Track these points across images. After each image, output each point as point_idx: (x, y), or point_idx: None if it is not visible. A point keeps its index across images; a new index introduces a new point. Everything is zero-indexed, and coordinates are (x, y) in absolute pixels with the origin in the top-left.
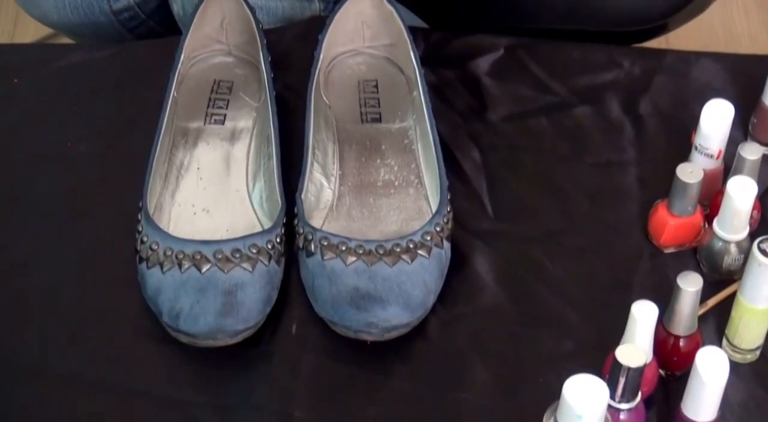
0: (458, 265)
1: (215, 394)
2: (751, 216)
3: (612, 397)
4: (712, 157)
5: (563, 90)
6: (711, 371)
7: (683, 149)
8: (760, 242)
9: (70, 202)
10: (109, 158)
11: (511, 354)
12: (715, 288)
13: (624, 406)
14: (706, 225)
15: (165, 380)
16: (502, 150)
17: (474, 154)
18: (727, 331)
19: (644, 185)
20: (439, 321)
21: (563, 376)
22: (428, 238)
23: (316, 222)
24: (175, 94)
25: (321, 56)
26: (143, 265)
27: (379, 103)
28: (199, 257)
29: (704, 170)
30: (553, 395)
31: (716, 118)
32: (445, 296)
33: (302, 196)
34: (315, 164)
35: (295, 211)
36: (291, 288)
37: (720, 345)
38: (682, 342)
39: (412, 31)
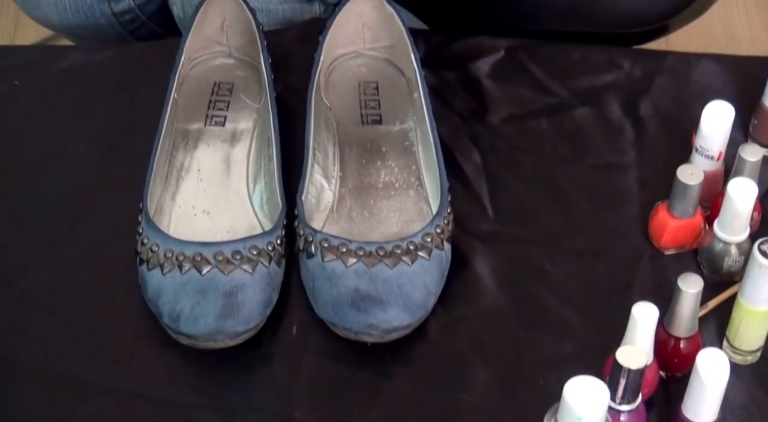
0: (458, 267)
1: (215, 396)
2: (752, 218)
3: (612, 399)
4: (712, 158)
5: (564, 91)
6: (711, 372)
7: (684, 151)
8: (761, 244)
9: (70, 203)
10: (110, 159)
11: (511, 355)
12: (716, 290)
13: (624, 408)
14: (707, 227)
15: (165, 381)
16: (502, 151)
17: (474, 156)
18: (727, 333)
19: (644, 187)
20: (440, 322)
21: (564, 378)
22: (429, 240)
23: (317, 223)
24: (176, 96)
25: (321, 58)
26: (144, 267)
27: (379, 105)
28: (199, 259)
29: (705, 172)
30: (553, 396)
31: (717, 120)
32: (445, 298)
33: (303, 198)
34: (315, 166)
35: (296, 212)
36: (291, 290)
37: (720, 346)
38: (682, 344)
39: (413, 32)
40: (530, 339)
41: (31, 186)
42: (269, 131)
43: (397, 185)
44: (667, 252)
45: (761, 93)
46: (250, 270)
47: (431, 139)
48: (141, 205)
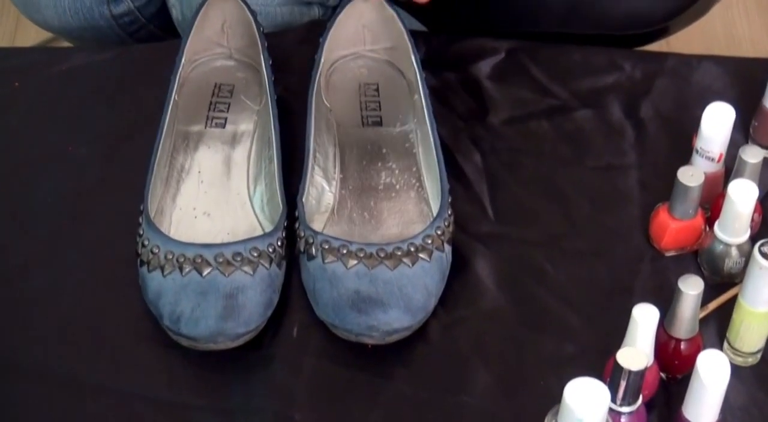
0: (459, 268)
1: (216, 398)
2: (752, 220)
3: (613, 400)
4: (713, 160)
5: (564, 93)
6: (712, 374)
7: (684, 152)
8: (761, 245)
9: (71, 204)
10: (110, 161)
11: (512, 357)
12: (716, 292)
13: (625, 409)
14: (707, 229)
15: (165, 383)
16: (503, 153)
17: (475, 158)
18: (728, 334)
19: (645, 188)
20: (440, 324)
21: (564, 379)
22: (429, 242)
23: (317, 225)
24: (176, 98)
25: (322, 59)
26: (144, 269)
27: (380, 107)
28: (200, 260)
29: (705, 173)
30: (554, 398)
31: (717, 121)
32: (446, 299)
33: (303, 200)
34: (316, 167)
35: (296, 214)
36: (292, 292)
37: (721, 348)
38: (683, 346)
39: (413, 34)
40: (531, 340)
41: (31, 187)
42: (270, 133)
43: (397, 187)
44: (668, 254)
45: (762, 94)
46: (251, 272)
47: (432, 140)
48: (141, 207)
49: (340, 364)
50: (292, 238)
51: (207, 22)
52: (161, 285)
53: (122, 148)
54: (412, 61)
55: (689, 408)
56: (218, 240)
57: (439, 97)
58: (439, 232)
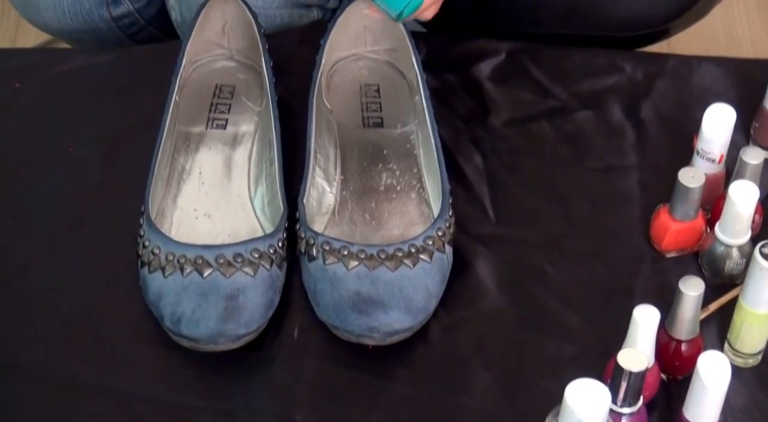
0: (460, 270)
1: (216, 399)
2: (753, 221)
3: (614, 402)
4: (713, 161)
5: (565, 94)
6: (713, 375)
7: (685, 153)
8: (762, 246)
9: (71, 205)
10: (111, 162)
11: (512, 358)
12: (717, 293)
13: (626, 411)
14: (708, 230)
15: (166, 384)
16: (503, 154)
17: (476, 159)
18: (728, 335)
19: (646, 190)
20: (441, 325)
21: (565, 381)
22: (430, 243)
23: (318, 226)
24: (177, 99)
25: (323, 61)
26: (145, 270)
27: (380, 108)
28: (200, 261)
29: (706, 174)
30: (554, 399)
31: (718, 123)
32: (446, 300)
33: (304, 201)
34: (317, 169)
35: (297, 215)
36: (293, 293)
37: (722, 349)
38: (683, 347)
39: (414, 35)
40: (531, 341)
41: (32, 188)
42: (270, 134)
43: (398, 188)
44: (669, 255)
45: (762, 96)
46: (252, 273)
47: (432, 141)
48: (142, 208)
49: (340, 365)
50: (292, 239)
51: (208, 23)
52: (162, 286)
53: (123, 148)
54: (412, 63)
55: (690, 410)
56: (219, 242)
57: (439, 99)
58: (439, 233)
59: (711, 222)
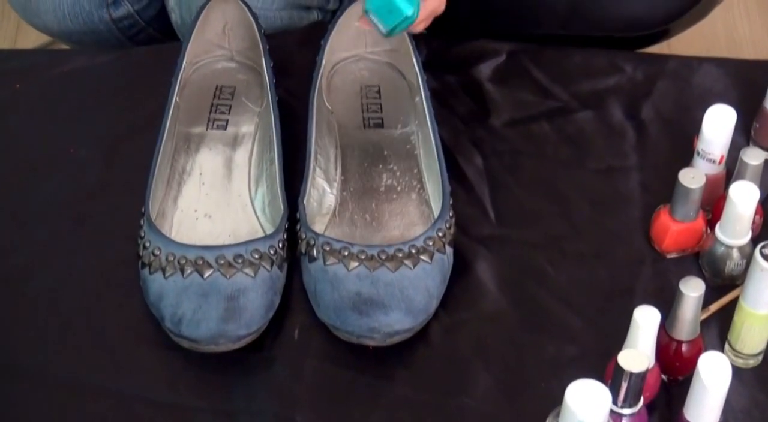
0: (460, 271)
1: (217, 400)
2: (754, 222)
3: (614, 402)
4: (714, 162)
5: (565, 95)
6: (713, 376)
7: (685, 154)
8: (763, 247)
9: (72, 206)
10: (111, 163)
11: (513, 359)
12: (718, 294)
13: (626, 411)
14: (709, 231)
15: (166, 385)
16: (504, 155)
17: (476, 160)
18: (729, 336)
19: (646, 190)
20: (442, 326)
21: (565, 381)
22: (430, 244)
23: (319, 227)
24: (178, 100)
25: (323, 61)
26: (145, 271)
27: (381, 109)
28: (201, 262)
29: (706, 175)
30: (555, 400)
31: (718, 123)
32: (447, 301)
33: (304, 202)
34: (317, 169)
35: (298, 216)
36: (293, 294)
37: (722, 350)
38: (684, 347)
39: (415, 36)
40: (532, 342)
41: (32, 189)
42: (271, 135)
43: (398, 189)
44: (669, 256)
45: (763, 96)
46: (252, 274)
47: (433, 142)
48: (143, 209)
49: (341, 366)
50: (293, 240)
51: (208, 24)
52: (162, 287)
53: (123, 149)
54: (413, 63)
55: (690, 410)
56: (219, 242)
57: (440, 99)
58: (440, 234)
59: (711, 223)
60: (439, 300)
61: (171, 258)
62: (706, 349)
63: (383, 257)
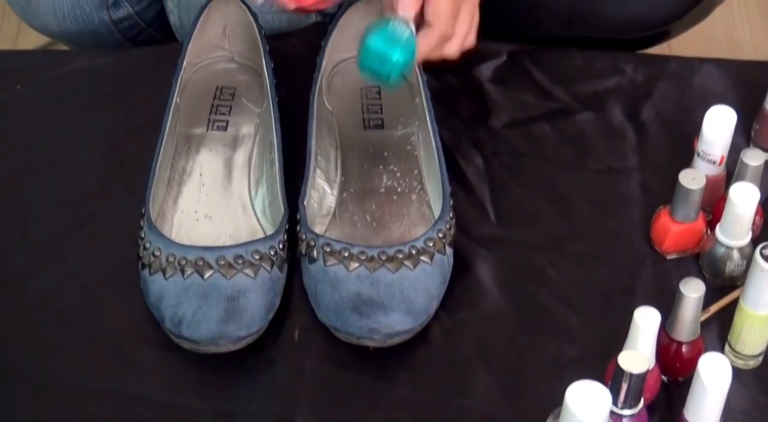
0: (461, 271)
1: (217, 400)
2: (754, 223)
3: (614, 403)
4: (714, 163)
5: (566, 96)
6: (713, 377)
7: (686, 155)
8: (763, 248)
9: (72, 207)
10: (112, 164)
11: (513, 360)
12: (718, 295)
13: (626, 412)
14: (709, 232)
15: (167, 386)
16: (504, 156)
17: (477, 160)
18: (729, 337)
19: (646, 191)
20: (442, 327)
21: (566, 382)
22: (431, 244)
23: (319, 228)
24: (178, 100)
25: (323, 62)
26: (146, 271)
27: (381, 110)
28: (201, 263)
29: (707, 176)
30: (555, 401)
31: (719, 125)
32: (447, 302)
33: (305, 203)
34: (317, 170)
35: (298, 217)
36: (293, 295)
37: (722, 351)
38: (684, 348)
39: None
40: (532, 343)
41: (32, 189)
42: (271, 136)
43: (399, 190)
44: (669, 257)
45: (763, 98)
46: (252, 275)
47: (433, 143)
48: (143, 210)
49: (341, 367)
50: (293, 241)
51: (208, 25)
52: (163, 288)
53: (123, 150)
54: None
55: (691, 411)
56: (220, 243)
57: (440, 100)
58: (440, 235)
59: (712, 224)
60: (440, 300)
61: (171, 259)
62: (706, 350)
63: (383, 258)
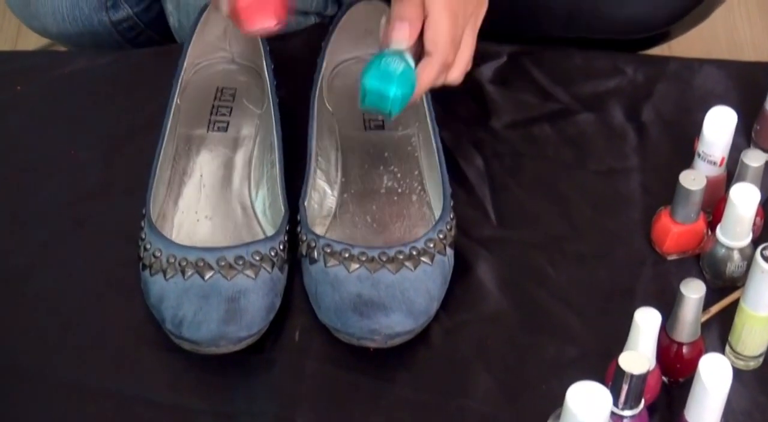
0: (461, 272)
1: (217, 401)
2: (754, 223)
3: (615, 404)
4: (715, 163)
5: (566, 97)
6: (714, 378)
7: (686, 156)
8: (763, 249)
9: (72, 208)
10: (112, 165)
11: (514, 361)
12: (718, 295)
13: (627, 413)
14: (709, 232)
15: (167, 387)
16: (505, 157)
17: (477, 161)
18: (730, 338)
19: (647, 192)
20: (442, 328)
21: (566, 383)
22: (431, 245)
23: (319, 229)
24: (178, 102)
25: (324, 63)
26: (146, 272)
27: None
28: (202, 264)
29: (707, 177)
30: (556, 402)
31: (719, 125)
32: (448, 303)
33: (305, 203)
34: (318, 171)
35: (298, 218)
36: (294, 296)
37: (723, 352)
38: (685, 349)
39: None
40: (533, 344)
41: (33, 190)
42: (272, 136)
43: (399, 190)
44: (670, 258)
45: (763, 98)
46: (253, 276)
47: (434, 144)
48: (143, 211)
49: (342, 368)
50: (294, 242)
51: (209, 25)
52: (163, 288)
53: (124, 151)
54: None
55: (691, 412)
56: (220, 244)
57: (441, 101)
58: (441, 236)
59: (712, 225)
60: (440, 301)
61: (172, 260)
62: (706, 351)
63: (384, 259)
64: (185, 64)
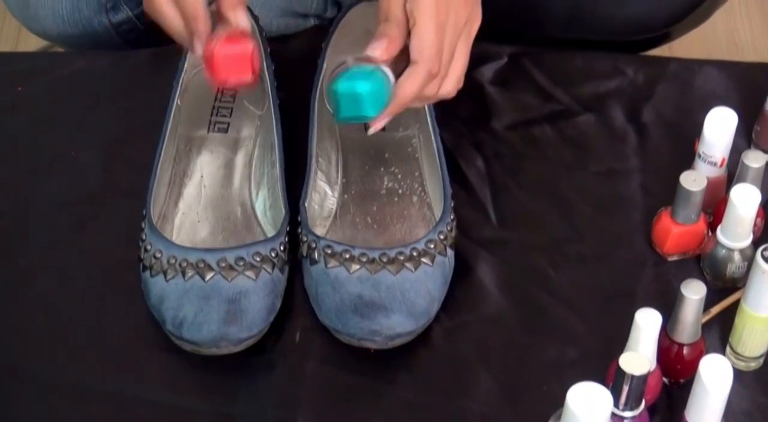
0: (462, 273)
1: (218, 402)
2: (755, 224)
3: (616, 405)
4: (715, 164)
5: (567, 98)
6: (714, 379)
7: (687, 157)
8: (764, 250)
9: (73, 209)
10: (113, 166)
11: (514, 362)
12: (719, 296)
13: (628, 414)
14: (710, 233)
15: (168, 388)
16: (505, 158)
17: (478, 162)
18: (730, 339)
19: (648, 193)
20: (443, 329)
21: (567, 384)
22: (432, 246)
23: (320, 230)
24: (179, 102)
25: (324, 64)
26: (147, 273)
27: None
28: (202, 265)
29: (708, 178)
30: (556, 403)
31: (719, 126)
32: (448, 304)
33: (306, 204)
34: (318, 172)
35: (299, 219)
36: (295, 297)
37: (723, 352)
38: (685, 350)
39: None
40: (533, 345)
41: (34, 191)
42: (272, 138)
43: (400, 191)
44: (670, 259)
45: (764, 99)
46: (254, 277)
47: (434, 145)
48: (144, 211)
49: (342, 369)
50: (294, 243)
51: None
52: (164, 290)
53: (125, 152)
54: None
55: (692, 413)
56: (221, 245)
57: (441, 102)
58: (441, 237)
59: (713, 226)
60: (441, 302)
61: (172, 261)
62: (707, 352)
63: (385, 260)
64: (186, 65)
